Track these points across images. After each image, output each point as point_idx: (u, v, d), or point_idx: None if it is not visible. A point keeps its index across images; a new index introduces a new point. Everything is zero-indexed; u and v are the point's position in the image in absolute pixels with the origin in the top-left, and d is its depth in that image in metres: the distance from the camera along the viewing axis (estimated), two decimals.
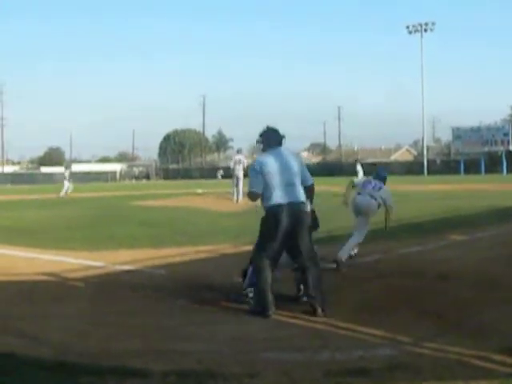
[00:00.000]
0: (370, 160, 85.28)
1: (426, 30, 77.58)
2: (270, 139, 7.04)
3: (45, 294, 7.95)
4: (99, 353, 5.33)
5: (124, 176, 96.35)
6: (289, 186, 6.79)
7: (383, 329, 5.87)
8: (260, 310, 6.62)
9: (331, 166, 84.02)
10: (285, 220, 6.65)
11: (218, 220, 18.05)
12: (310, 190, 7.13)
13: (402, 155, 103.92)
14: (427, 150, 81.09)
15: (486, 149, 72.77)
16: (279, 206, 6.69)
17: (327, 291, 7.10)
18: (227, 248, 11.80)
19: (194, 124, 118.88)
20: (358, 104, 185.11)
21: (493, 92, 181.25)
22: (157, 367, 4.82)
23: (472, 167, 70.42)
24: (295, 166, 6.90)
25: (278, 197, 6.72)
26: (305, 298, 6.95)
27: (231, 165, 25.79)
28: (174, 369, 4.80)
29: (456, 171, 70.16)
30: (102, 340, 5.80)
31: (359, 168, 36.35)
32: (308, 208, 7.02)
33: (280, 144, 7.03)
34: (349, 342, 5.56)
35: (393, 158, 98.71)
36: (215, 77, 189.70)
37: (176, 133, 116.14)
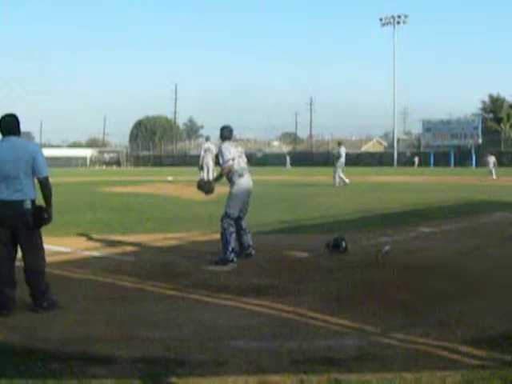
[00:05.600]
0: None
1: (398, 23, 78.17)
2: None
3: None
4: (66, 339, 5.29)
5: (94, 162, 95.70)
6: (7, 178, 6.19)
7: (351, 319, 5.90)
8: None
9: (302, 156, 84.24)
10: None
11: (188, 207, 18.01)
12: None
13: (372, 146, 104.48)
14: (397, 142, 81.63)
15: (456, 142, 73.54)
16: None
17: (295, 281, 7.09)
18: (197, 235, 11.78)
19: (166, 111, 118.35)
20: (330, 95, 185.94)
21: (464, 86, 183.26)
22: (125, 354, 4.80)
23: (441, 160, 71.05)
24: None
25: None
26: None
27: (201, 153, 25.56)
28: (142, 356, 4.79)
29: (426, 163, 70.75)
30: (69, 326, 5.76)
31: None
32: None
33: (12, 132, 6.27)
34: (316, 331, 5.57)
35: (363, 149, 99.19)
36: (189, 66, 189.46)
37: (147, 119, 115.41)
